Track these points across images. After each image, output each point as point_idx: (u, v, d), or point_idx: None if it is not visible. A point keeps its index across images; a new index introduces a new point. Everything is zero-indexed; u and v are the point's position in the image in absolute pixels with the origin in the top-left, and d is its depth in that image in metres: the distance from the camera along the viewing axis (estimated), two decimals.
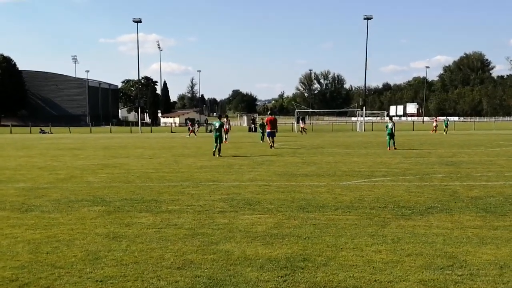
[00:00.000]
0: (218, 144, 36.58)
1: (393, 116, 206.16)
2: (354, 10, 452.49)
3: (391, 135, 42.62)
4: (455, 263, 9.58)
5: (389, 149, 41.52)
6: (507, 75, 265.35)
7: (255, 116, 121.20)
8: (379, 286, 8.41)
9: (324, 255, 10.19)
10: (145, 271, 9.31)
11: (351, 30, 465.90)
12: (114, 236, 12.02)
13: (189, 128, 79.51)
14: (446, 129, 78.74)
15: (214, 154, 36.30)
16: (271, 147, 44.08)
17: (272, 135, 45.43)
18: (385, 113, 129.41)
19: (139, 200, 17.10)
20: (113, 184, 21.29)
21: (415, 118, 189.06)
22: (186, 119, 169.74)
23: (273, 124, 46.40)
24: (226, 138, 48.32)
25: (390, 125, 43.29)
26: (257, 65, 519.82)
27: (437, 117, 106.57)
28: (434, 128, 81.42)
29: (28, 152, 43.33)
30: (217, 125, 37.23)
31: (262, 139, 52.48)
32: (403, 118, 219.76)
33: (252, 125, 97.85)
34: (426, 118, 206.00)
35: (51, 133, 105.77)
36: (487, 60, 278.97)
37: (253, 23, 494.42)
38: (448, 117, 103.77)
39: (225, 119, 52.65)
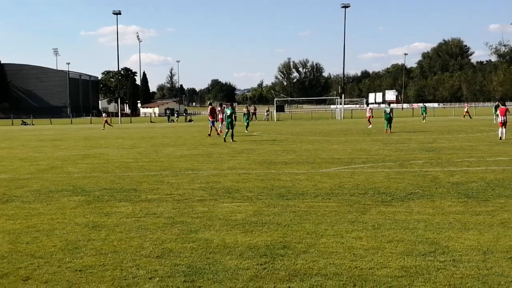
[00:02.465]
0: (230, 130, 38.94)
1: (372, 103, 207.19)
2: None
3: (390, 119, 46.58)
4: (437, 249, 9.53)
5: (386, 131, 45.90)
6: (486, 61, 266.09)
7: (234, 105, 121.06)
8: (359, 273, 8.35)
9: (304, 242, 10.13)
10: (124, 260, 9.23)
11: (329, 18, 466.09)
12: (93, 226, 11.94)
13: (106, 120, 76.45)
14: (424, 116, 75.19)
15: (224, 140, 38.62)
16: (209, 135, 46.82)
17: (212, 123, 47.60)
18: (364, 100, 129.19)
19: (119, 190, 17.01)
20: (93, 174, 21.18)
21: (394, 105, 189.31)
22: (165, 109, 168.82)
23: (213, 113, 48.44)
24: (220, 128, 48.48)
25: (388, 110, 47.46)
26: (235, 55, 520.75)
27: (467, 103, 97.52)
28: (466, 113, 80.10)
29: (9, 144, 43.21)
30: (228, 112, 39.84)
31: (247, 129, 52.32)
32: (382, 105, 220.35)
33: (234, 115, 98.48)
34: (405, 105, 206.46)
35: (33, 124, 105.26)
36: (466, 46, 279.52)
37: (231, 12, 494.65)
38: (425, 104, 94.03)
39: (220, 108, 52.72)
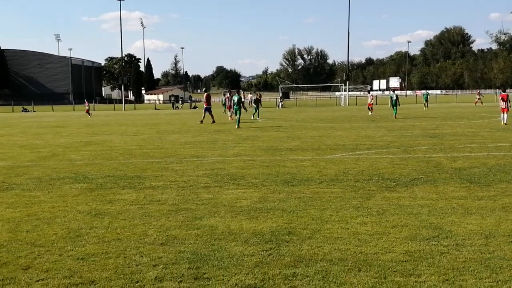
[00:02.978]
0: (238, 116, 40.14)
1: (377, 90, 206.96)
2: None
3: (395, 105, 48.56)
4: (440, 234, 9.54)
5: (395, 117, 47.15)
6: (487, 49, 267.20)
7: (240, 91, 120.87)
8: (364, 258, 8.34)
9: (309, 228, 10.12)
10: (128, 247, 9.19)
11: (334, 5, 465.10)
12: (96, 213, 11.88)
13: (88, 109, 74.25)
14: (426, 103, 74.34)
15: (238, 126, 39.33)
16: (201, 122, 46.71)
17: (208, 110, 47.38)
18: (368, 87, 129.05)
19: (122, 177, 16.95)
20: (95, 161, 21.11)
21: (398, 92, 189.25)
22: (170, 96, 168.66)
23: (208, 100, 48.66)
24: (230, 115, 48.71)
25: (394, 97, 49.65)
26: (240, 41, 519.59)
27: (479, 90, 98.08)
28: (477, 100, 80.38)
29: (9, 131, 43.09)
30: (236, 99, 41.15)
31: (258, 116, 52.14)
32: (386, 92, 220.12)
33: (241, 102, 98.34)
34: (409, 92, 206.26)
35: (34, 111, 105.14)
36: (467, 34, 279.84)
37: None
38: (428, 91, 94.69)
39: (228, 95, 53.15)
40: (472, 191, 13.39)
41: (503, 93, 38.62)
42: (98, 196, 13.90)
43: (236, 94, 43.10)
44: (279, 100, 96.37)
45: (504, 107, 36.33)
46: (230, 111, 48.48)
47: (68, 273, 8.05)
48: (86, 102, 77.13)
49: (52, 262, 8.55)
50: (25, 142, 31.64)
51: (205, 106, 48.55)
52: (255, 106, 54.33)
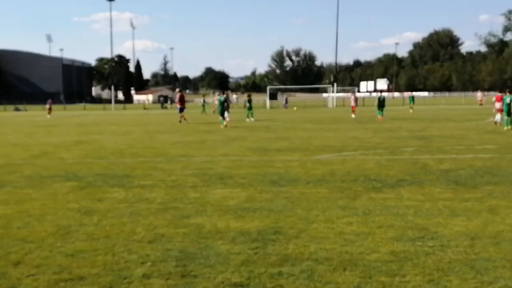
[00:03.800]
0: (222, 116, 41.04)
1: (364, 91, 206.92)
2: None
3: (382, 106, 49.71)
4: (426, 235, 9.63)
5: (379, 118, 48.07)
6: (476, 51, 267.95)
7: (227, 92, 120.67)
8: (350, 258, 8.43)
9: (296, 228, 10.21)
10: (116, 245, 9.29)
11: (323, 6, 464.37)
12: (85, 211, 11.97)
13: (49, 108, 72.59)
14: (412, 106, 70.46)
15: (225, 126, 40.18)
16: (180, 122, 47.34)
17: (181, 110, 48.34)
18: (355, 88, 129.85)
19: (112, 176, 17.04)
20: (86, 160, 21.21)
21: (385, 94, 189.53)
22: (159, 96, 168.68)
23: (182, 100, 49.61)
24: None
25: (381, 98, 50.71)
26: (229, 42, 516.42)
27: (480, 92, 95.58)
28: (480, 101, 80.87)
29: (1, 130, 43.34)
30: (221, 99, 41.99)
31: (252, 116, 51.73)
32: (374, 94, 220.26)
33: (225, 102, 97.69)
34: (396, 94, 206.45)
35: (26, 110, 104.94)
36: (456, 36, 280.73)
37: None
38: (413, 93, 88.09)
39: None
40: (458, 193, 13.47)
41: (498, 94, 39.80)
42: (88, 194, 13.99)
43: (221, 95, 43.97)
44: (284, 102, 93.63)
45: (499, 108, 37.01)
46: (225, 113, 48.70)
47: (58, 269, 8.14)
48: (49, 101, 75.45)
49: (42, 258, 8.65)
50: (17, 140, 31.83)
51: (178, 106, 49.45)
52: (248, 106, 53.64)
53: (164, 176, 16.85)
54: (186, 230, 10.14)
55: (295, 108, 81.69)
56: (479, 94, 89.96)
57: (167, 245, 9.20)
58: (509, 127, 34.12)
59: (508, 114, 34.73)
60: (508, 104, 34.85)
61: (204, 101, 73.47)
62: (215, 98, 50.84)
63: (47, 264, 8.38)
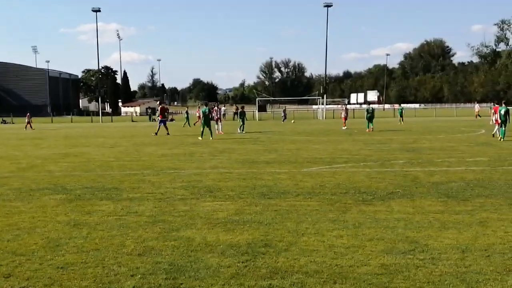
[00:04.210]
0: (207, 128, 40.81)
1: (354, 103, 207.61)
2: None
3: (371, 118, 49.84)
4: (416, 248, 9.63)
5: (368, 130, 48.37)
6: (468, 62, 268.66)
7: (215, 104, 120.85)
8: (340, 271, 8.42)
9: (285, 241, 10.19)
10: (106, 257, 9.27)
11: (313, 18, 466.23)
12: (75, 224, 11.95)
13: (28, 122, 71.77)
14: (401, 119, 68.30)
15: (201, 137, 40.66)
16: (155, 134, 47.75)
17: (163, 122, 48.86)
18: (346, 100, 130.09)
19: (100, 188, 17.01)
20: (74, 173, 21.15)
21: (375, 106, 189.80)
22: (147, 108, 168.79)
23: (163, 112, 50.15)
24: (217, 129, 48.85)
25: (370, 110, 50.88)
26: (217, 54, 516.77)
27: (477, 104, 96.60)
28: (477, 114, 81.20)
29: None
30: (204, 111, 41.95)
31: (242, 129, 50.62)
32: (364, 106, 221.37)
33: (213, 114, 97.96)
34: (386, 106, 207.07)
35: (13, 123, 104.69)
36: (448, 47, 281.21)
37: (213, 10, 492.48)
38: (402, 105, 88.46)
39: (216, 107, 53.57)
40: (449, 206, 13.49)
41: (496, 105, 40.12)
42: (76, 207, 13.97)
43: (204, 106, 44.87)
44: (282, 114, 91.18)
45: (497, 119, 37.32)
46: (219, 124, 48.85)
47: (48, 281, 8.14)
48: (28, 114, 74.27)
49: (32, 271, 8.65)
50: (5, 153, 31.69)
51: (159, 118, 49.87)
52: (240, 118, 52.45)
53: (153, 189, 16.82)
54: (175, 243, 10.11)
55: (293, 121, 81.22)
56: (476, 106, 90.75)
57: (156, 258, 9.17)
58: (504, 137, 34.80)
59: (504, 124, 35.47)
60: (503, 115, 35.58)
61: (187, 113, 73.13)
62: (213, 110, 50.64)
63: (38, 276, 8.37)
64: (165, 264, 8.86)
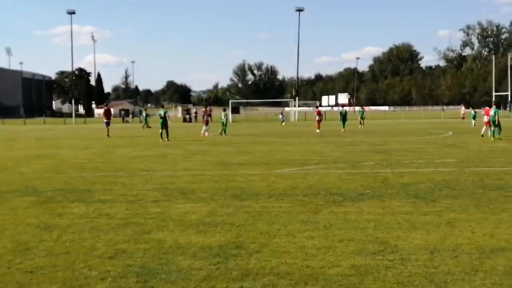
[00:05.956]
0: (162, 130, 41.32)
1: (326, 106, 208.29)
2: (287, 1, 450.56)
3: (344, 120, 52.80)
4: (386, 248, 9.68)
5: (343, 131, 49.75)
6: (435, 66, 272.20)
7: (189, 106, 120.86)
8: (311, 272, 8.45)
9: (257, 242, 10.21)
10: (76, 261, 9.20)
11: (287, 21, 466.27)
12: (45, 227, 11.86)
13: None
14: (362, 121, 65.71)
15: (161, 139, 41.04)
16: (107, 136, 48.53)
17: (107, 124, 50.56)
18: (317, 103, 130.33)
19: (72, 190, 16.91)
20: (46, 175, 21.02)
21: (347, 108, 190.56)
22: (120, 110, 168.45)
23: (107, 114, 52.34)
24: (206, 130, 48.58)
25: (343, 112, 53.91)
26: (191, 56, 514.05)
27: (463, 106, 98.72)
28: (463, 116, 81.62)
29: None
30: (162, 113, 42.32)
31: (225, 132, 49.77)
32: (335, 108, 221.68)
33: (187, 116, 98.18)
34: (357, 108, 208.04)
35: None
36: (415, 51, 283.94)
37: (188, 14, 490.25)
38: (364, 107, 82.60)
39: (205, 109, 53.31)
40: (418, 207, 13.58)
41: (486, 108, 42.37)
42: (47, 210, 13.86)
43: (161, 108, 45.64)
44: (280, 116, 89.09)
45: (487, 121, 39.10)
46: (206, 126, 48.47)
47: (17, 286, 8.06)
48: None
49: (0, 275, 8.55)
50: None
51: (104, 120, 50.97)
52: (224, 121, 51.20)
53: (125, 191, 16.77)
54: (147, 246, 10.09)
55: (283, 123, 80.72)
56: (462, 108, 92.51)
57: (127, 261, 9.15)
58: (496, 137, 36.66)
59: (494, 125, 37.11)
60: (494, 115, 37.03)
61: (146, 114, 73.11)
62: (202, 111, 50.75)
63: (5, 281, 8.29)
64: (136, 267, 8.83)
